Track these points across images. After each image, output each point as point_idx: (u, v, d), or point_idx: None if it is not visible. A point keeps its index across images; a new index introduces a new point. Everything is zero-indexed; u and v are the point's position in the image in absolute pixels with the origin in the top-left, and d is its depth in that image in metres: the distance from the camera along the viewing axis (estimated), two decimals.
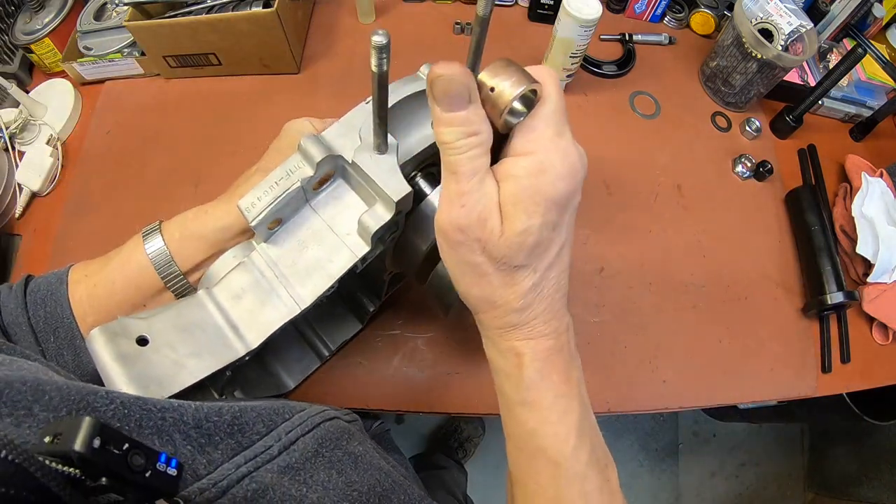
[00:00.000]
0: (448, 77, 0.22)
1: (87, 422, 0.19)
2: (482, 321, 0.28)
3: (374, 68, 0.23)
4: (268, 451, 0.25)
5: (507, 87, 0.23)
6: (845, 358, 0.60)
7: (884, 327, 0.62)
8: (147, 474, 0.21)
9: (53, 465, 0.18)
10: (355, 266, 0.33)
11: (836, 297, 0.58)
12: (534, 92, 0.24)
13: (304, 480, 0.26)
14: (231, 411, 0.26)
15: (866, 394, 0.69)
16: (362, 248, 0.32)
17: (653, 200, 0.66)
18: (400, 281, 0.50)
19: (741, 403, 0.67)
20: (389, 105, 0.31)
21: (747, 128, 0.72)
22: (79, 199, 0.63)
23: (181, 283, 0.38)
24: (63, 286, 0.37)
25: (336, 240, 0.32)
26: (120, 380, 0.27)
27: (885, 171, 0.68)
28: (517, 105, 0.24)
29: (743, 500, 1.48)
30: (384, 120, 0.28)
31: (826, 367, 0.60)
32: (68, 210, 0.62)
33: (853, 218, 0.62)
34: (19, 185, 0.62)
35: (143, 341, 0.30)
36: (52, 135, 0.65)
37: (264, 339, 0.31)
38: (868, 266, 0.61)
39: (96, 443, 0.19)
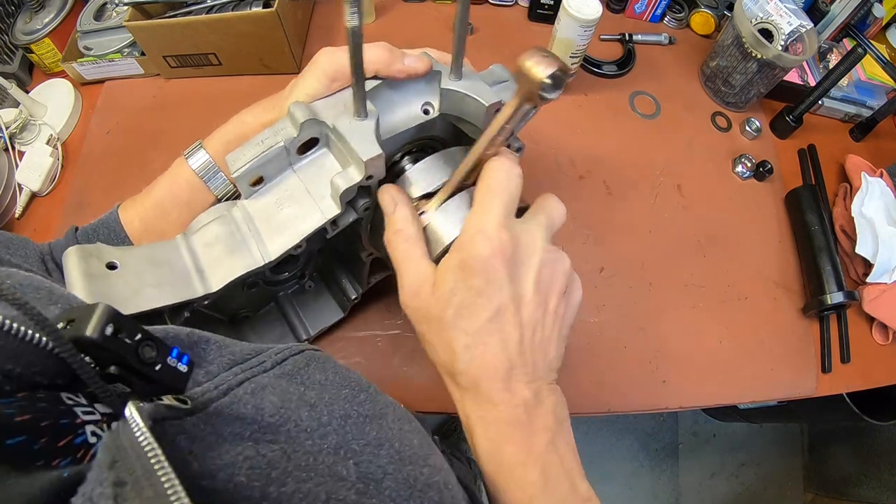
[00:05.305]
0: (380, 191, 0.33)
1: (101, 308, 0.19)
2: (451, 394, 0.31)
3: (346, 23, 0.24)
4: (262, 364, 0.26)
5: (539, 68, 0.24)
6: (845, 358, 0.60)
7: (884, 327, 0.62)
8: (157, 367, 0.21)
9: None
10: (325, 229, 0.34)
11: (836, 297, 0.58)
12: (563, 71, 0.24)
13: (301, 381, 0.27)
14: (215, 339, 0.27)
15: (866, 394, 0.69)
16: (333, 210, 0.33)
17: (653, 200, 0.66)
18: (381, 271, 0.50)
19: (741, 403, 0.67)
20: (377, 84, 0.33)
21: (747, 128, 0.72)
22: (79, 198, 0.63)
23: (234, 193, 0.38)
24: (113, 214, 0.38)
25: (311, 202, 0.34)
26: (80, 292, 0.29)
27: (885, 171, 0.68)
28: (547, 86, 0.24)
29: (743, 500, 1.48)
30: (361, 79, 0.28)
31: (826, 367, 0.60)
32: (68, 210, 0.62)
33: (853, 218, 0.63)
34: (19, 185, 0.62)
35: (112, 266, 0.32)
36: (51, 135, 0.65)
37: (224, 284, 0.33)
38: (868, 266, 0.62)
39: (108, 330, 0.19)
